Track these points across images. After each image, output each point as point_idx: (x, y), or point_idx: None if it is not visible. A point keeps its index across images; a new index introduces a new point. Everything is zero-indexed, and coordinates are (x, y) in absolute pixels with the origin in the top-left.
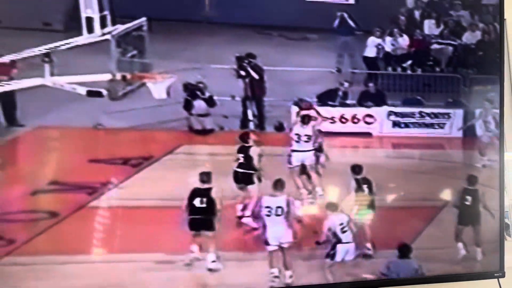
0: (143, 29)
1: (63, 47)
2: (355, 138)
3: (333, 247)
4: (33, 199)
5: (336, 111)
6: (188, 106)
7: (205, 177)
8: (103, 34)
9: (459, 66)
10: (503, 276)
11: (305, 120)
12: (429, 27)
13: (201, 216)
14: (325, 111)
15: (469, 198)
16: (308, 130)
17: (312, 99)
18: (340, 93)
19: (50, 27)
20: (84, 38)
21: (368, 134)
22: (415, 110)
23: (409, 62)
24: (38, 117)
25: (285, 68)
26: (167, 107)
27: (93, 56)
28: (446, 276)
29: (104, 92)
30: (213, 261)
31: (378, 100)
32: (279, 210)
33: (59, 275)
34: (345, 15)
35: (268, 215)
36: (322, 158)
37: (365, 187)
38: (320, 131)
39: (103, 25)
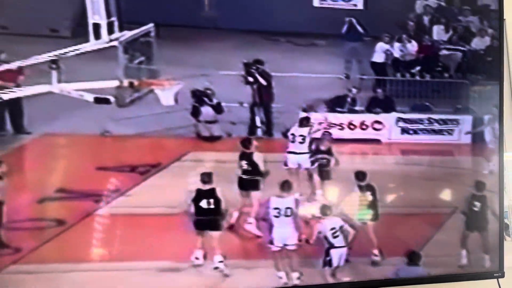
0: (150, 35)
1: (70, 54)
2: (364, 144)
3: (327, 253)
4: (40, 207)
5: (345, 118)
6: (195, 112)
7: (206, 177)
8: (111, 41)
9: (468, 72)
10: (502, 276)
11: (303, 122)
12: (438, 32)
13: (208, 217)
14: (334, 117)
15: (477, 204)
16: (303, 131)
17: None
18: (349, 99)
19: (57, 34)
20: (91, 45)
21: (376, 141)
22: (424, 116)
23: (418, 68)
24: (45, 124)
25: (293, 74)
26: (174, 113)
27: (101, 62)
28: (446, 276)
29: (112, 99)
30: (220, 261)
31: (387, 106)
32: (288, 211)
33: (66, 283)
34: (354, 20)
35: (276, 216)
36: (333, 162)
37: (368, 194)
38: (329, 135)
39: (110, 31)
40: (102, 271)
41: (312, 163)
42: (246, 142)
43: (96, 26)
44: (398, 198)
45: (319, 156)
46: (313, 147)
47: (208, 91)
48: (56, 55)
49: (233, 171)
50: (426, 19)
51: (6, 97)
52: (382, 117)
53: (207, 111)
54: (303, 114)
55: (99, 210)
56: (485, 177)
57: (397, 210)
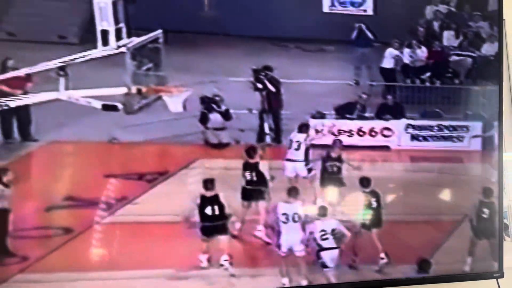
0: (159, 42)
1: (78, 60)
2: (373, 151)
3: (318, 256)
4: (47, 215)
5: (354, 124)
6: (204, 119)
7: (209, 184)
8: (119, 47)
9: (478, 78)
10: (502, 276)
11: (302, 128)
12: (448, 38)
13: (213, 223)
14: (343, 124)
15: (486, 211)
16: (300, 137)
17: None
18: (358, 105)
19: (65, 40)
20: (99, 51)
21: (386, 148)
22: (434, 123)
23: (428, 74)
24: (52, 132)
25: (302, 81)
26: (183, 120)
27: (108, 69)
28: (445, 276)
29: (120, 106)
30: (226, 260)
31: (396, 112)
32: (296, 216)
33: None
34: (363, 26)
35: (285, 222)
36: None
37: (373, 200)
38: (340, 142)
39: (118, 37)
40: (109, 280)
41: (309, 171)
42: (251, 151)
43: (104, 33)
44: (407, 205)
45: (329, 163)
46: (310, 154)
47: (217, 98)
48: (64, 62)
49: (241, 179)
50: (436, 24)
51: (13, 104)
52: (391, 123)
53: (215, 118)
54: (304, 121)
55: (106, 218)
56: (494, 184)
57: (407, 217)
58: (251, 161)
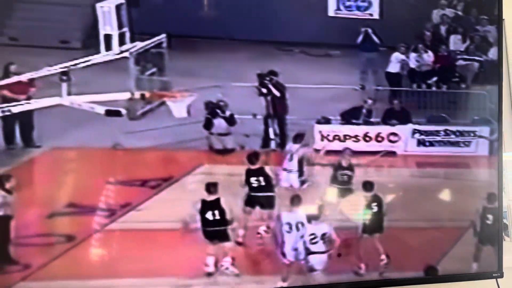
0: (162, 46)
1: (81, 65)
2: (379, 156)
3: (306, 259)
4: (50, 222)
5: (360, 130)
6: (208, 125)
7: (212, 187)
8: (122, 52)
9: (485, 82)
10: (501, 276)
11: (297, 139)
12: (455, 42)
13: (215, 228)
14: (349, 129)
15: (490, 217)
16: (293, 148)
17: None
18: (364, 110)
19: (68, 45)
20: (102, 56)
21: (392, 153)
22: (440, 128)
23: (434, 78)
24: (54, 138)
25: (307, 86)
26: (187, 126)
27: (112, 74)
28: (445, 276)
29: (123, 111)
30: (227, 261)
31: (403, 118)
32: (300, 225)
33: None
34: (369, 30)
35: (288, 232)
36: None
37: (373, 205)
38: (350, 150)
39: (121, 42)
40: None
41: (302, 183)
42: (252, 158)
43: (107, 37)
44: (414, 211)
45: (340, 172)
46: (304, 166)
47: (221, 103)
48: (66, 67)
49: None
50: (443, 28)
51: (16, 110)
52: (398, 128)
53: (219, 123)
54: (300, 131)
55: (109, 225)
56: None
57: (414, 223)
58: (253, 167)
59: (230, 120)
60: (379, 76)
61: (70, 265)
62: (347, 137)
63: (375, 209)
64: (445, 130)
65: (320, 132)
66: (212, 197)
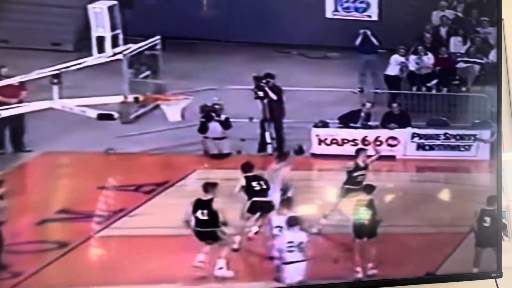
0: (156, 48)
1: (72, 68)
2: (378, 161)
3: (278, 269)
4: (41, 229)
5: (358, 133)
6: (203, 128)
7: (210, 187)
8: (115, 54)
9: (486, 85)
10: (500, 276)
11: (281, 157)
12: (455, 44)
13: (205, 229)
14: (347, 133)
15: (487, 219)
16: (276, 167)
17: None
18: (363, 114)
19: (60, 47)
20: (95, 59)
21: (391, 157)
22: (440, 131)
23: (434, 81)
24: (46, 142)
25: (305, 89)
26: (181, 130)
27: (104, 77)
28: (444, 276)
29: (116, 115)
30: (220, 268)
31: (402, 121)
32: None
33: None
34: (368, 32)
35: (278, 235)
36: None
37: (368, 208)
38: (364, 150)
39: (114, 44)
40: None
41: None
42: (246, 167)
43: (100, 39)
44: (413, 216)
45: (357, 173)
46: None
47: (217, 106)
48: (58, 70)
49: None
50: (443, 30)
51: (6, 113)
52: (397, 132)
53: (215, 127)
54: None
55: (102, 232)
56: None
57: (413, 229)
58: (248, 174)
59: (226, 124)
60: (378, 79)
61: (62, 272)
62: (345, 141)
63: (370, 212)
64: (445, 134)
65: (317, 136)
66: (207, 197)
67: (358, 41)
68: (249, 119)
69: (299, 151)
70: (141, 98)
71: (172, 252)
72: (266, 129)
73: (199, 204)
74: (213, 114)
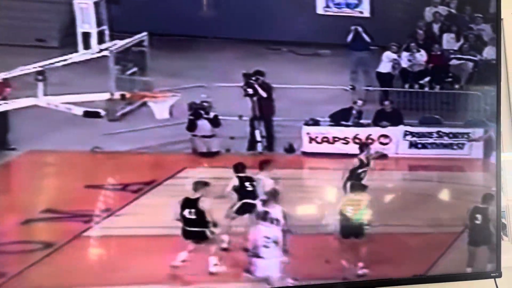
0: (143, 45)
1: (57, 65)
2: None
3: (250, 262)
4: (25, 229)
5: (350, 131)
6: (191, 126)
7: (200, 185)
8: (101, 50)
9: (479, 82)
10: (499, 276)
11: (261, 165)
12: (448, 41)
13: (192, 229)
14: (338, 131)
15: (479, 216)
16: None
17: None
18: (354, 112)
19: (44, 44)
20: (80, 55)
21: (383, 156)
22: (433, 129)
23: (427, 78)
24: (31, 140)
25: (295, 86)
26: (169, 128)
27: (90, 74)
28: (443, 276)
29: (102, 112)
30: (215, 264)
31: (394, 119)
32: (275, 222)
33: None
34: (360, 29)
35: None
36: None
37: (353, 207)
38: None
39: (100, 40)
40: None
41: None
42: (239, 167)
43: (86, 36)
44: (404, 216)
45: (362, 170)
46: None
47: (205, 104)
48: (42, 66)
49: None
50: (436, 27)
51: None
52: (389, 130)
53: (203, 125)
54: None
55: (88, 231)
56: (494, 192)
57: (404, 229)
58: (240, 175)
59: (215, 122)
60: (369, 76)
61: (47, 273)
62: (336, 139)
63: (360, 211)
64: (437, 132)
65: (308, 134)
66: (195, 196)
67: (349, 37)
68: (238, 117)
69: (290, 149)
70: (128, 95)
71: (160, 252)
72: (256, 127)
73: (186, 203)
74: (202, 112)
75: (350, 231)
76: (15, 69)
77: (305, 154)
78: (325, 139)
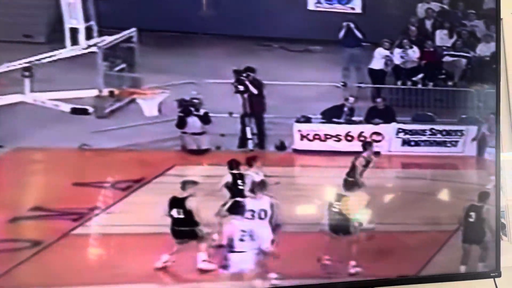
0: (132, 41)
1: (45, 61)
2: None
3: (225, 257)
4: (13, 227)
5: (342, 129)
6: (181, 123)
7: (189, 184)
8: (89, 46)
9: (473, 79)
10: (499, 276)
11: (250, 161)
12: (441, 38)
13: (181, 228)
14: (330, 128)
15: (473, 214)
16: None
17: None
18: (346, 109)
19: (31, 39)
20: (68, 51)
21: (375, 153)
22: (426, 127)
23: (420, 75)
24: (17, 137)
25: (286, 83)
26: (159, 125)
27: (78, 70)
28: (442, 276)
29: (90, 109)
30: (204, 260)
31: (387, 116)
32: (263, 213)
33: None
34: (352, 25)
35: (250, 219)
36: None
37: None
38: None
39: (88, 36)
40: None
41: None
42: (233, 164)
43: (73, 31)
44: (397, 214)
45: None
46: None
47: (195, 101)
48: (29, 62)
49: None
50: (428, 23)
51: None
52: (381, 128)
53: (193, 122)
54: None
55: (77, 230)
56: (490, 190)
57: (396, 227)
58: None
59: (205, 119)
60: (361, 73)
61: (35, 272)
62: (328, 137)
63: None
64: (431, 129)
65: (299, 131)
66: (183, 195)
67: (341, 34)
68: (229, 114)
69: (281, 147)
70: (116, 92)
71: (150, 251)
72: (247, 124)
73: (174, 203)
74: (192, 109)
75: (342, 229)
76: (1, 65)
77: (297, 151)
78: (316, 137)
